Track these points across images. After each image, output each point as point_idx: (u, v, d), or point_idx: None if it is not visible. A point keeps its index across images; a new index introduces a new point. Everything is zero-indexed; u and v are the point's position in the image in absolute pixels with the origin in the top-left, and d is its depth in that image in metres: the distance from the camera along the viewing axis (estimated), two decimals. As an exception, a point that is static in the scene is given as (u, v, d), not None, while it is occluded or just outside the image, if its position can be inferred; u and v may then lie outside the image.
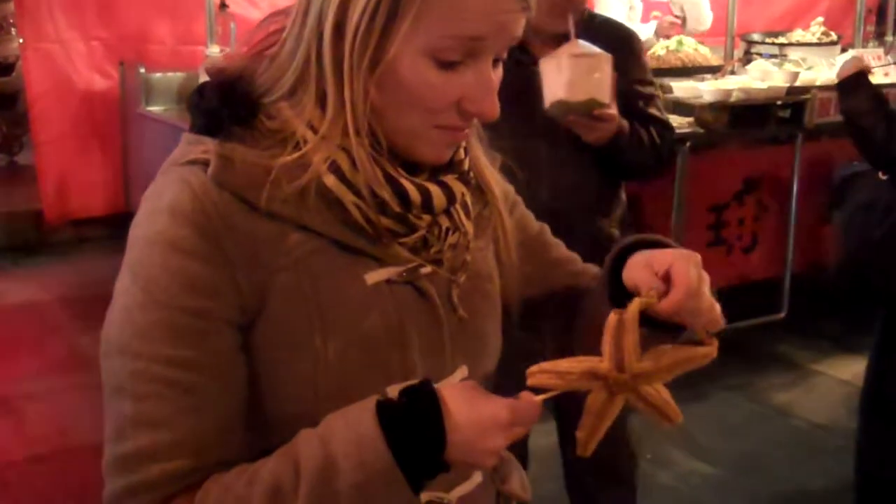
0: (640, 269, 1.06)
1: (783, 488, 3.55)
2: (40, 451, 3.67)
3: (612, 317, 0.99)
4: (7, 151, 7.85)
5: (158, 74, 5.42)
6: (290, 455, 0.97)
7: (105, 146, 5.93)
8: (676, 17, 5.76)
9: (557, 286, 1.32)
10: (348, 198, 1.02)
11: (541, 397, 0.99)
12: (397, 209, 1.04)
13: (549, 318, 1.34)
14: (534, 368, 0.99)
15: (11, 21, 8.02)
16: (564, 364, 0.99)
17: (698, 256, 1.05)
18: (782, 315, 4.50)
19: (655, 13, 5.93)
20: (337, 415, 0.98)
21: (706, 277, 1.04)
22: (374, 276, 1.06)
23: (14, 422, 3.89)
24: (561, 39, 2.41)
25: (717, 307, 1.04)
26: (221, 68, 1.08)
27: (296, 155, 1.01)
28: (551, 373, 0.98)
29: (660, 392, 1.01)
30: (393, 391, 1.03)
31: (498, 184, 1.22)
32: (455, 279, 1.14)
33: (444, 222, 1.10)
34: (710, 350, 1.02)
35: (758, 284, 4.40)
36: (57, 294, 5.41)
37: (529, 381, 0.99)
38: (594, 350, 1.00)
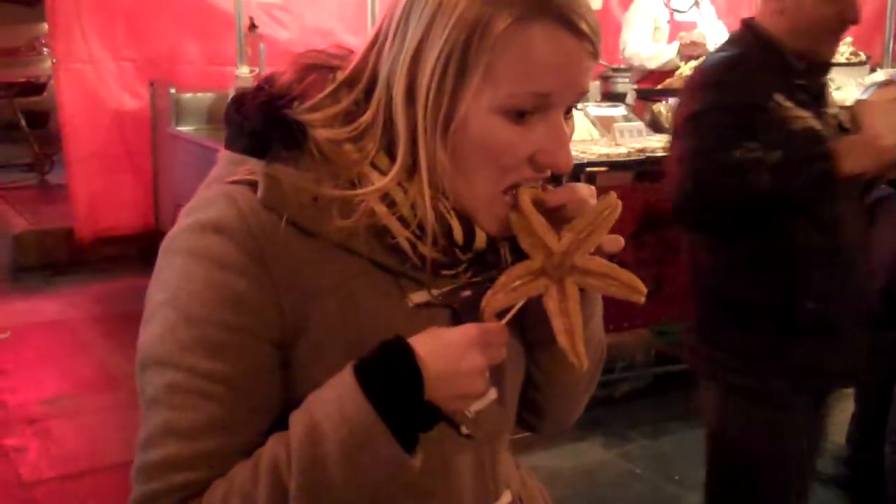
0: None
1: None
2: (70, 469, 3.68)
3: (513, 216, 1.02)
4: (38, 170, 7.94)
5: (188, 94, 5.48)
6: (284, 433, 0.98)
7: (135, 165, 6.00)
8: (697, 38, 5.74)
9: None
10: (400, 232, 1.03)
11: (506, 318, 1.03)
12: (443, 243, 1.05)
13: None
14: (484, 300, 1.02)
15: (43, 41, 8.15)
16: (503, 279, 1.03)
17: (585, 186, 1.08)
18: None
19: (682, 34, 5.93)
20: (320, 388, 1.00)
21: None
22: (415, 299, 1.07)
23: (44, 440, 3.91)
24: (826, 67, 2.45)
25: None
26: (263, 90, 1.07)
27: (356, 192, 1.01)
28: (499, 292, 1.02)
29: (597, 260, 1.04)
30: None
31: None
32: None
33: (490, 257, 1.11)
34: (613, 200, 1.04)
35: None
36: (87, 312, 5.45)
37: (487, 311, 1.02)
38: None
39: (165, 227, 6.01)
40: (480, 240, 1.07)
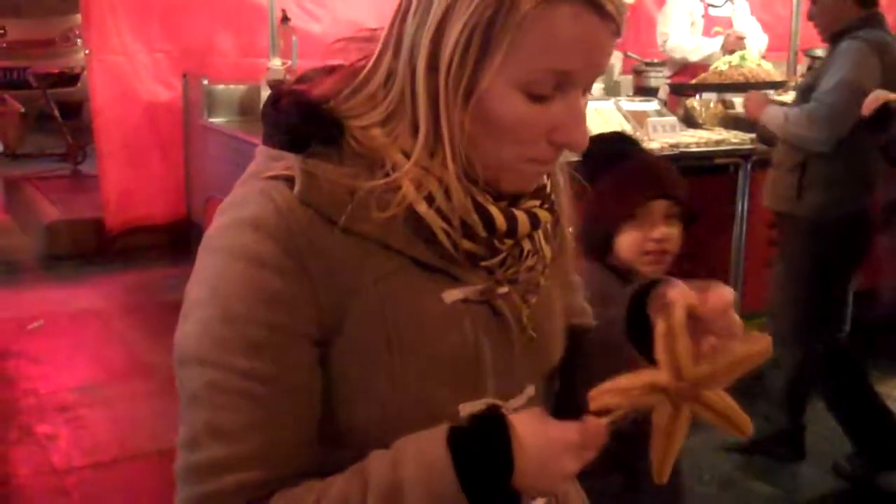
0: (674, 287, 1.04)
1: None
2: (101, 458, 3.71)
3: (661, 324, 0.98)
4: (71, 160, 8.00)
5: (221, 86, 5.50)
6: (360, 474, 0.97)
7: (167, 156, 6.03)
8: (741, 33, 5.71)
9: (568, 330, 1.28)
10: (437, 224, 1.02)
11: (606, 419, 0.98)
12: (483, 234, 1.04)
13: None
14: (594, 391, 0.97)
15: (77, 33, 8.21)
16: (624, 381, 0.97)
17: (731, 289, 1.03)
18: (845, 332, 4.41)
19: (717, 28, 5.89)
20: (410, 438, 0.98)
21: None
22: (452, 295, 1.06)
23: (75, 428, 3.95)
24: None
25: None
26: (299, 86, 1.08)
27: (388, 179, 1.01)
28: (612, 391, 0.97)
29: (723, 398, 0.99)
30: (465, 409, 1.03)
31: (570, 211, 1.22)
32: (527, 299, 1.13)
33: (526, 246, 1.10)
34: (765, 346, 0.99)
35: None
36: (119, 302, 5.49)
37: (592, 405, 0.97)
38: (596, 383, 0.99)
39: (196, 218, 6.08)
40: (524, 226, 1.06)
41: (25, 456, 3.73)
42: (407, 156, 1.02)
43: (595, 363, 1.18)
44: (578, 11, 0.97)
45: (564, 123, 1.02)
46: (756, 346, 1.00)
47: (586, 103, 1.06)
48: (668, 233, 2.11)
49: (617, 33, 1.01)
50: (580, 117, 1.03)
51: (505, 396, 1.09)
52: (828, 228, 3.58)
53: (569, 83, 1.01)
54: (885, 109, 3.13)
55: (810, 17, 3.68)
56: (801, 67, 5.62)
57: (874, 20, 3.57)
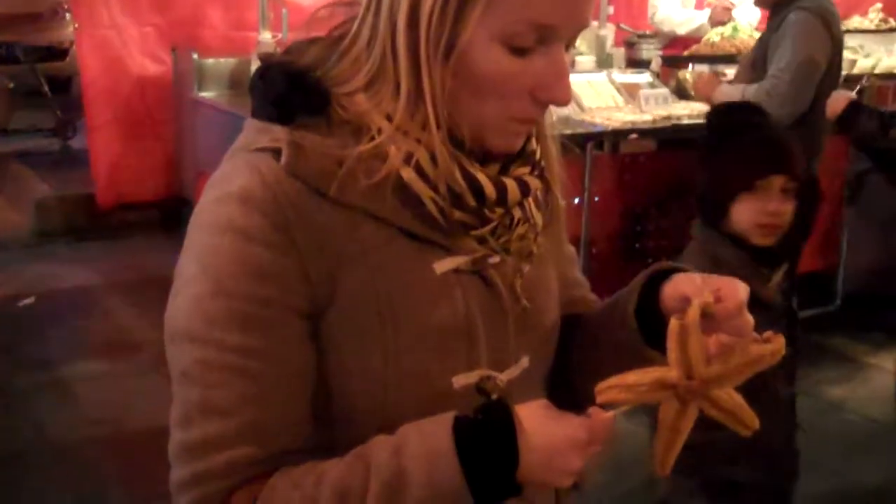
0: (689, 282, 1.04)
1: (836, 483, 3.49)
2: (93, 432, 3.72)
3: (674, 322, 0.97)
4: (61, 136, 7.96)
5: (211, 60, 5.46)
6: (361, 460, 0.96)
7: (158, 131, 6.00)
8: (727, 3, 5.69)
9: (563, 303, 1.27)
10: (425, 192, 1.01)
11: (612, 413, 0.97)
12: (472, 203, 1.03)
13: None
14: (601, 385, 0.97)
15: (66, 7, 8.14)
16: (632, 377, 0.96)
17: (745, 285, 1.02)
18: (836, 306, 4.44)
19: (709, 0, 5.86)
20: (413, 426, 0.97)
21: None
22: (443, 266, 1.05)
23: (68, 404, 3.95)
24: None
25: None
26: (286, 56, 1.07)
27: (371, 144, 1.00)
28: (620, 387, 0.96)
29: (732, 396, 0.98)
30: (459, 381, 1.02)
31: (561, 178, 1.21)
32: (520, 269, 1.12)
33: (517, 214, 1.09)
34: (778, 347, 0.99)
35: (811, 275, 4.34)
36: (110, 278, 5.48)
37: (599, 399, 0.97)
38: (603, 371, 0.98)
39: (187, 194, 6.06)
40: (513, 194, 1.05)
41: (22, 432, 3.72)
42: (390, 119, 1.01)
43: (599, 343, 1.17)
44: None
45: (547, 78, 1.01)
46: (768, 346, 0.99)
47: (570, 59, 1.06)
48: (783, 208, 2.21)
49: None
50: (563, 72, 1.02)
51: (499, 367, 1.09)
52: None
53: (551, 37, 0.99)
54: (850, 108, 3.26)
55: None
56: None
57: None
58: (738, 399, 0.99)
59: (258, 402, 0.98)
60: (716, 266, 2.19)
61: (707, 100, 3.86)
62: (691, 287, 1.01)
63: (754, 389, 1.00)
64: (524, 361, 1.14)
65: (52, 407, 3.92)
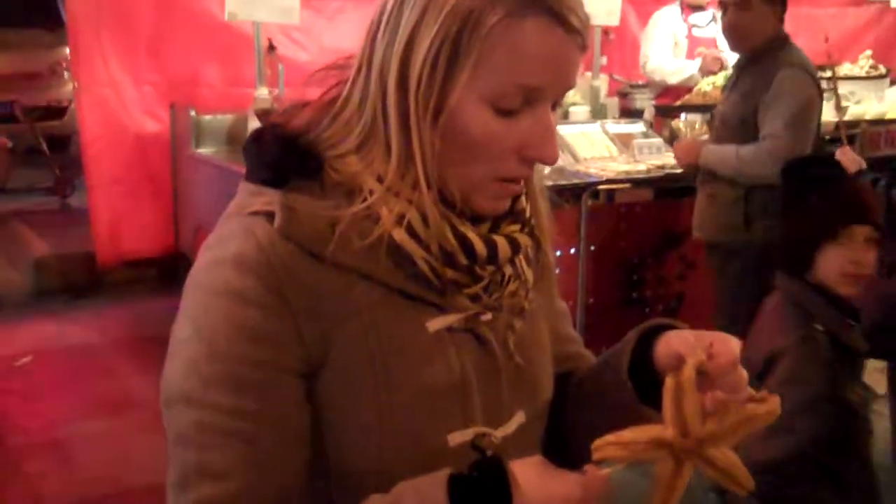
0: (681, 340, 1.04)
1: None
2: (93, 493, 3.68)
3: (669, 381, 0.97)
4: (60, 194, 7.99)
5: (208, 117, 5.49)
6: None
7: (156, 188, 6.02)
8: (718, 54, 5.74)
9: (557, 359, 1.28)
10: (417, 252, 1.02)
11: (608, 470, 0.97)
12: (464, 262, 1.04)
13: None
14: (598, 442, 0.97)
15: (64, 66, 8.22)
16: (628, 434, 0.97)
17: (737, 340, 1.03)
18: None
19: (700, 49, 5.92)
20: (408, 484, 0.98)
21: None
22: (436, 324, 1.06)
23: (66, 464, 3.92)
24: None
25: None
26: (282, 120, 1.08)
27: (363, 206, 1.01)
28: (616, 444, 0.96)
29: (727, 455, 0.99)
30: (454, 438, 1.03)
31: (551, 234, 1.22)
32: (512, 325, 1.13)
33: (507, 270, 1.11)
34: (773, 407, 0.99)
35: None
36: (108, 336, 5.46)
37: (595, 456, 0.97)
38: (598, 428, 0.98)
39: (185, 250, 6.06)
40: (504, 252, 1.06)
41: (15, 494, 3.69)
42: (381, 180, 1.02)
43: (593, 401, 1.17)
44: (544, 26, 0.98)
45: (534, 138, 1.02)
46: (763, 406, 0.99)
47: (556, 118, 1.06)
48: (867, 257, 2.30)
49: (583, 47, 1.02)
50: (549, 132, 1.03)
51: (494, 424, 1.09)
52: (773, 251, 3.66)
53: (537, 98, 1.01)
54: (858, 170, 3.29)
55: (732, 28, 3.64)
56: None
57: (787, 38, 3.63)
58: (733, 457, 0.99)
59: (254, 465, 0.98)
60: (803, 316, 2.28)
61: (692, 165, 3.79)
62: (684, 345, 1.02)
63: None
64: (519, 417, 1.14)
65: (49, 467, 3.89)
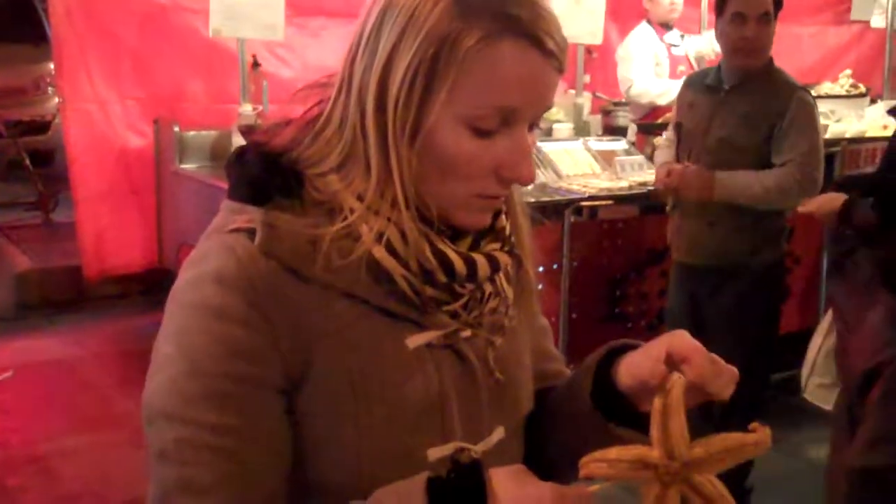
0: (639, 363, 1.05)
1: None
2: (74, 508, 3.67)
3: (657, 401, 0.97)
4: (43, 209, 7.96)
5: (192, 133, 5.49)
6: None
7: (140, 203, 6.00)
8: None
9: (537, 376, 1.28)
10: (396, 269, 1.03)
11: (593, 488, 0.98)
12: (443, 279, 1.05)
13: None
14: (585, 459, 0.96)
15: (48, 81, 8.20)
16: (614, 452, 0.96)
17: (684, 332, 1.04)
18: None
19: (681, 68, 5.95)
20: (387, 488, 0.99)
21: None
22: (416, 341, 1.07)
23: (47, 480, 3.90)
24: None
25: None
26: (265, 138, 1.09)
27: (343, 224, 1.02)
28: (602, 462, 0.96)
29: (714, 484, 0.98)
30: (434, 454, 1.03)
31: (532, 251, 1.23)
32: (492, 342, 1.14)
33: (488, 288, 1.12)
34: (763, 438, 0.99)
35: (788, 336, 4.37)
36: (90, 351, 5.45)
37: (582, 472, 0.97)
38: (572, 446, 0.99)
39: (169, 265, 6.05)
40: (483, 270, 1.07)
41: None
42: (361, 199, 1.03)
43: (563, 419, 1.18)
44: (520, 49, 0.99)
45: (510, 159, 1.04)
46: (752, 436, 0.99)
47: (535, 138, 1.08)
48: None
49: (560, 69, 1.03)
50: (526, 152, 1.04)
51: (474, 439, 1.10)
52: (778, 274, 3.69)
53: (514, 119, 1.02)
54: (849, 204, 3.13)
55: (752, 41, 3.37)
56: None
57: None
58: (721, 488, 0.98)
59: (236, 481, 0.98)
60: None
61: (707, 197, 3.45)
62: (647, 366, 1.02)
63: None
64: (499, 433, 1.15)
65: (29, 482, 3.87)
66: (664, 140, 3.89)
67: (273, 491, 1.01)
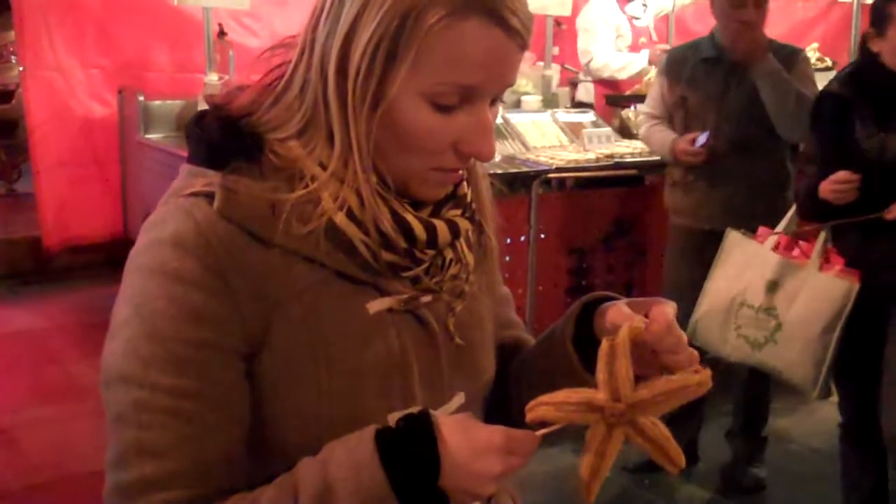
0: (618, 311, 1.07)
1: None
2: (37, 480, 3.65)
3: (604, 343, 0.99)
4: (6, 179, 7.87)
5: (157, 102, 5.45)
6: (289, 481, 0.98)
7: (104, 173, 5.96)
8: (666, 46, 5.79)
9: (498, 344, 1.29)
10: (356, 235, 1.03)
11: (541, 432, 0.99)
12: (403, 245, 1.05)
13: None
14: (531, 403, 0.98)
15: (11, 49, 8.07)
16: (561, 395, 0.98)
17: (673, 303, 1.06)
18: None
19: (642, 39, 5.96)
20: (337, 442, 0.99)
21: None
22: (376, 306, 1.07)
23: (10, 451, 3.88)
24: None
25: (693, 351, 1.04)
26: (224, 101, 1.09)
27: (305, 191, 1.02)
28: (549, 405, 0.98)
29: (658, 426, 1.00)
30: (394, 418, 1.03)
31: (494, 218, 1.23)
32: (453, 307, 1.15)
33: (448, 254, 1.12)
34: (704, 378, 1.01)
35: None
36: (55, 322, 5.41)
37: (528, 416, 0.98)
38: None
39: (134, 236, 5.95)
40: (444, 236, 1.08)
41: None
42: (324, 167, 1.03)
43: (536, 373, 1.19)
44: (484, 27, 0.98)
45: (470, 134, 1.03)
46: (695, 377, 1.01)
47: (496, 114, 1.07)
48: None
49: (524, 47, 1.03)
50: (486, 129, 1.04)
51: (434, 404, 1.10)
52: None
53: (475, 96, 1.02)
54: None
55: (756, 24, 3.39)
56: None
57: None
58: (664, 430, 1.00)
59: (193, 443, 0.98)
60: None
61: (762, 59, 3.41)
62: (621, 316, 1.04)
63: None
64: (459, 398, 1.15)
65: (-7, 454, 3.85)
66: (646, 117, 3.84)
67: (231, 454, 1.01)
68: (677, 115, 3.68)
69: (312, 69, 1.03)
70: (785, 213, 3.30)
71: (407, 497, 0.95)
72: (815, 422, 4.32)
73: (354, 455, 0.96)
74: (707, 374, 1.01)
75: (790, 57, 3.51)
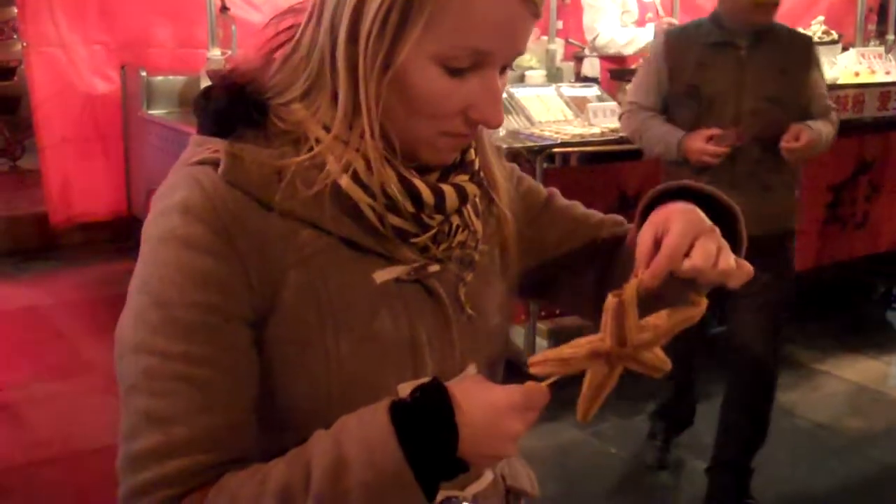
0: (646, 230, 1.06)
1: (785, 488, 3.55)
2: (43, 455, 3.67)
3: (611, 299, 0.99)
4: (9, 156, 7.87)
5: (160, 78, 5.44)
6: (302, 454, 0.97)
7: (108, 150, 5.96)
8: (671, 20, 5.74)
9: (579, 243, 1.31)
10: (362, 199, 1.03)
11: (546, 382, 0.99)
12: (410, 210, 1.05)
13: (579, 275, 1.33)
14: (535, 358, 0.98)
15: (13, 26, 8.06)
16: (567, 350, 0.98)
17: (697, 211, 1.05)
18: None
19: (649, 14, 5.92)
20: (351, 415, 0.98)
21: (706, 230, 1.03)
22: (383, 275, 1.06)
23: (16, 426, 3.89)
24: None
25: (724, 262, 1.02)
26: (230, 70, 1.08)
27: (309, 154, 1.02)
28: (554, 361, 0.98)
29: (657, 355, 1.02)
30: (404, 389, 1.03)
31: (504, 178, 1.23)
32: (463, 277, 1.14)
33: (455, 221, 1.11)
34: (699, 309, 1.03)
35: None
36: (59, 298, 5.42)
37: (532, 370, 0.98)
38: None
39: (138, 212, 6.02)
40: (451, 200, 1.07)
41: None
42: (327, 129, 1.03)
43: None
44: None
45: (479, 100, 1.03)
46: (691, 310, 1.02)
47: (505, 82, 1.07)
48: None
49: (536, 15, 1.02)
50: (496, 95, 1.04)
51: (446, 376, 1.08)
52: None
53: (486, 61, 1.01)
54: None
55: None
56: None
57: None
58: (661, 355, 1.02)
59: (205, 410, 0.98)
60: None
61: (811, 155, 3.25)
62: (644, 239, 1.04)
63: None
64: (471, 369, 1.15)
65: (0, 430, 3.87)
66: (635, 108, 3.40)
67: (240, 421, 1.01)
68: (683, 106, 3.25)
69: (321, 31, 1.03)
70: (794, 214, 3.27)
71: (425, 470, 0.94)
72: (819, 396, 4.33)
73: (368, 429, 0.95)
74: (704, 303, 1.03)
75: (806, 50, 3.32)
